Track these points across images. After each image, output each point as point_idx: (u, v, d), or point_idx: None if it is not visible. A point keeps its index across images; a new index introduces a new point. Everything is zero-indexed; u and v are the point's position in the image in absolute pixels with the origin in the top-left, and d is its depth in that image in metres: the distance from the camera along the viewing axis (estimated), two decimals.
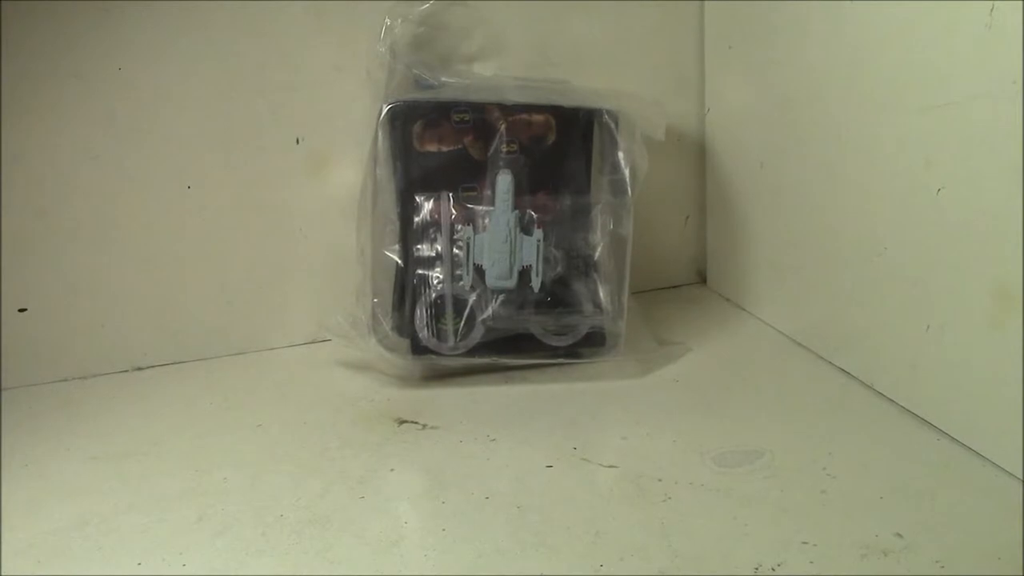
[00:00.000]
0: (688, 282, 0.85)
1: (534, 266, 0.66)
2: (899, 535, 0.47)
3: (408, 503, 0.53)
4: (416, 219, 0.66)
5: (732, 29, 0.74)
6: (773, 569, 0.45)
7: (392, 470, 0.57)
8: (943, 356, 0.56)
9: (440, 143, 0.66)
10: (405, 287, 0.66)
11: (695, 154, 0.82)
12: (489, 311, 0.65)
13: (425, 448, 0.59)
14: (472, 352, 0.66)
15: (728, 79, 0.76)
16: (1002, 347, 0.51)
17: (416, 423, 0.62)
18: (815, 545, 0.47)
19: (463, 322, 0.65)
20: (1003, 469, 0.52)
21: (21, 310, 0.70)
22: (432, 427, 0.62)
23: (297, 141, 0.72)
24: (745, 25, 0.72)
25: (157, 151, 0.70)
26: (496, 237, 0.65)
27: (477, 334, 0.66)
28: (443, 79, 0.69)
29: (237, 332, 0.74)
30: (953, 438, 0.55)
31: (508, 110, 0.66)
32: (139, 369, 0.73)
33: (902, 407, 0.59)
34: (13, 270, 0.69)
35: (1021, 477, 0.51)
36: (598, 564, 0.47)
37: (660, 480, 0.54)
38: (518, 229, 0.66)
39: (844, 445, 0.56)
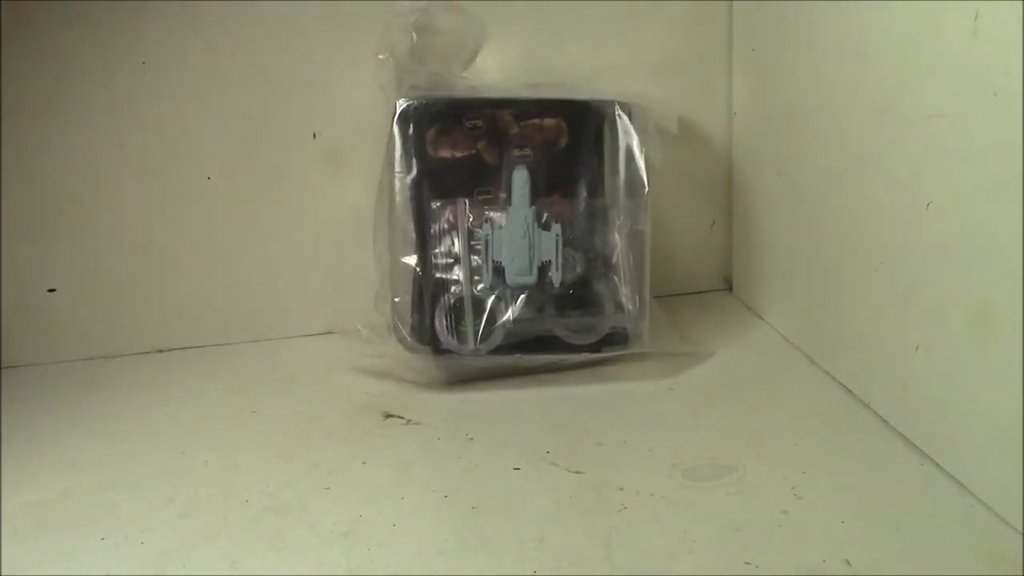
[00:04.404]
0: (714, 288, 0.83)
1: (553, 261, 0.66)
2: (847, 562, 0.45)
3: (368, 497, 0.54)
4: (433, 224, 0.66)
5: (758, 32, 0.72)
6: None
7: (364, 463, 0.58)
8: (929, 378, 0.53)
9: (453, 148, 0.66)
10: (423, 292, 0.66)
11: (722, 158, 0.80)
12: (509, 313, 0.65)
13: (402, 443, 0.60)
14: (494, 352, 0.66)
15: (751, 83, 0.74)
16: (984, 372, 0.48)
17: (401, 418, 0.63)
18: (756, 567, 0.46)
19: (483, 323, 0.65)
20: (979, 500, 0.49)
21: (51, 290, 0.73)
22: (416, 423, 0.62)
23: (314, 136, 0.73)
24: (769, 28, 0.70)
25: (179, 143, 0.72)
26: (515, 233, 0.65)
27: (498, 336, 0.66)
28: (455, 83, 0.69)
29: (253, 320, 0.76)
30: (936, 463, 0.53)
31: (519, 115, 0.66)
32: (160, 351, 0.76)
33: (894, 428, 0.57)
34: (44, 252, 0.72)
35: (994, 507, 0.48)
36: (531, 570, 0.46)
37: (622, 489, 0.53)
38: (536, 224, 0.66)
39: (822, 465, 0.54)
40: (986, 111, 0.46)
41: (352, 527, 0.51)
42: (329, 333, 0.78)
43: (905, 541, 0.47)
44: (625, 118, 0.67)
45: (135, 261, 0.74)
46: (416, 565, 0.48)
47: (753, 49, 0.73)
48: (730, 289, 0.83)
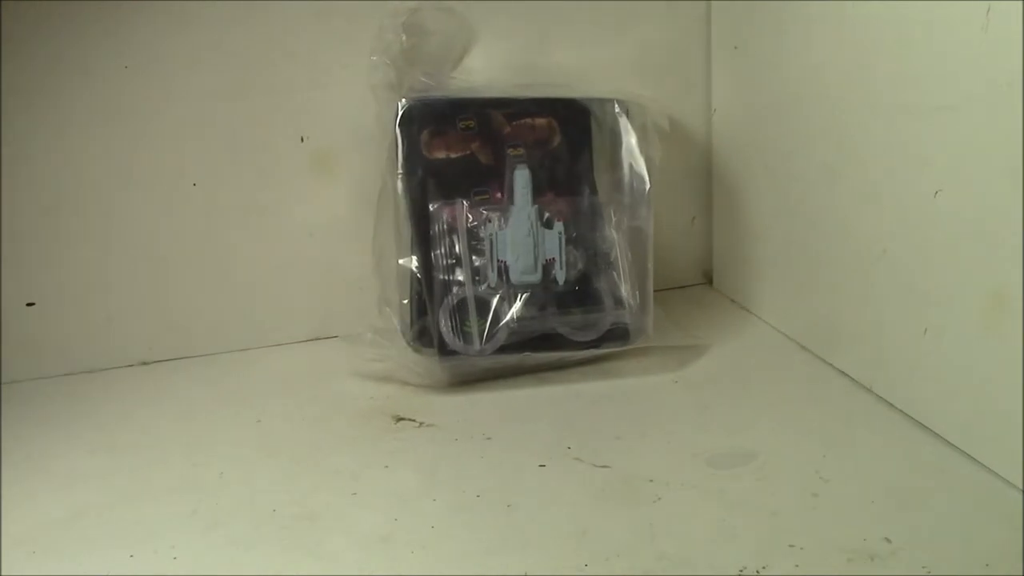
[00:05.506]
0: (694, 283, 0.85)
1: (557, 259, 0.66)
2: (888, 540, 0.47)
3: (399, 500, 0.53)
4: (433, 226, 0.66)
5: (738, 30, 0.74)
6: (758, 571, 0.45)
7: (386, 467, 0.57)
8: (940, 360, 0.55)
9: (448, 150, 0.66)
10: (424, 295, 0.66)
11: (702, 155, 0.81)
12: (512, 312, 0.65)
13: (420, 446, 0.59)
14: (499, 351, 0.66)
15: (733, 80, 0.76)
16: (997, 352, 0.50)
17: (413, 421, 0.62)
18: (801, 548, 0.47)
19: (488, 323, 0.65)
20: (997, 475, 0.51)
21: (29, 304, 0.71)
22: (428, 425, 0.62)
23: (301, 140, 0.72)
24: (750, 26, 0.72)
25: (163, 148, 0.70)
26: (519, 231, 0.66)
27: (502, 335, 0.65)
28: (450, 84, 0.69)
29: (241, 328, 0.75)
30: (949, 442, 0.55)
31: (511, 115, 0.67)
32: (145, 364, 0.74)
33: (901, 411, 0.59)
34: (21, 265, 0.70)
35: (1013, 481, 0.50)
36: (583, 564, 0.47)
37: (651, 481, 0.54)
38: (540, 223, 0.66)
39: (839, 448, 0.56)
40: (997, 102, 0.48)
41: (390, 531, 0.50)
42: (316, 339, 0.77)
43: (936, 517, 0.49)
44: (624, 116, 0.68)
45: (117, 271, 0.72)
46: (465, 565, 0.47)
47: (736, 47, 0.74)
48: (710, 283, 0.84)
